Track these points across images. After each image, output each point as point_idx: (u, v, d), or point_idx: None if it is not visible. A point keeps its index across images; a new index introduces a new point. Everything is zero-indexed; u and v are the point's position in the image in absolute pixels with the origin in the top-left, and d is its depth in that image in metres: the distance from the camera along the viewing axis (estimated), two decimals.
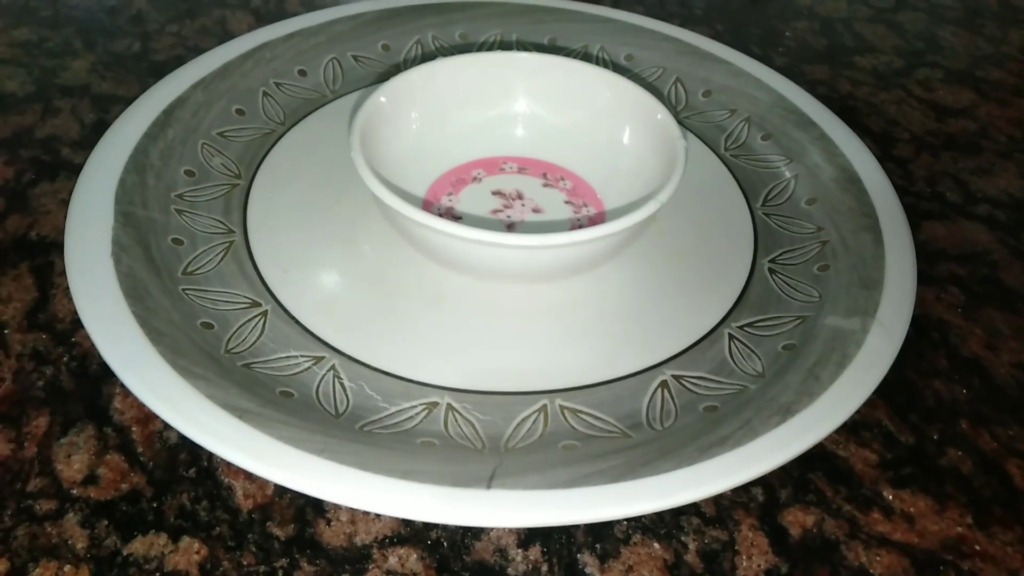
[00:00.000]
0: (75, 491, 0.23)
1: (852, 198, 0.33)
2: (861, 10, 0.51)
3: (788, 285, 0.30)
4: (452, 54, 0.41)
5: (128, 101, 0.38)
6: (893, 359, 0.26)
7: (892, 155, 0.39)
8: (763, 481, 0.24)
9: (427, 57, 0.41)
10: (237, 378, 0.24)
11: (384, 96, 0.31)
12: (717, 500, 0.24)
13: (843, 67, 0.45)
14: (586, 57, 0.41)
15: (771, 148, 0.37)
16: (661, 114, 0.30)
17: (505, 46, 0.42)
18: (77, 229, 0.28)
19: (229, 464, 0.24)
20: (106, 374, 0.26)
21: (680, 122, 0.31)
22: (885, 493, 0.24)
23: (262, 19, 0.45)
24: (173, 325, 0.26)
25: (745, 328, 0.28)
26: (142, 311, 0.25)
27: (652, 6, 0.49)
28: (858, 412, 0.25)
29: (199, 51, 0.42)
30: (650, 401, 0.26)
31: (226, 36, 0.43)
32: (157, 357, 0.24)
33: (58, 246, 0.30)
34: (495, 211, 0.32)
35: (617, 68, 0.41)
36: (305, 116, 0.37)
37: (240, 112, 0.36)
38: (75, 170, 0.34)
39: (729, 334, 0.28)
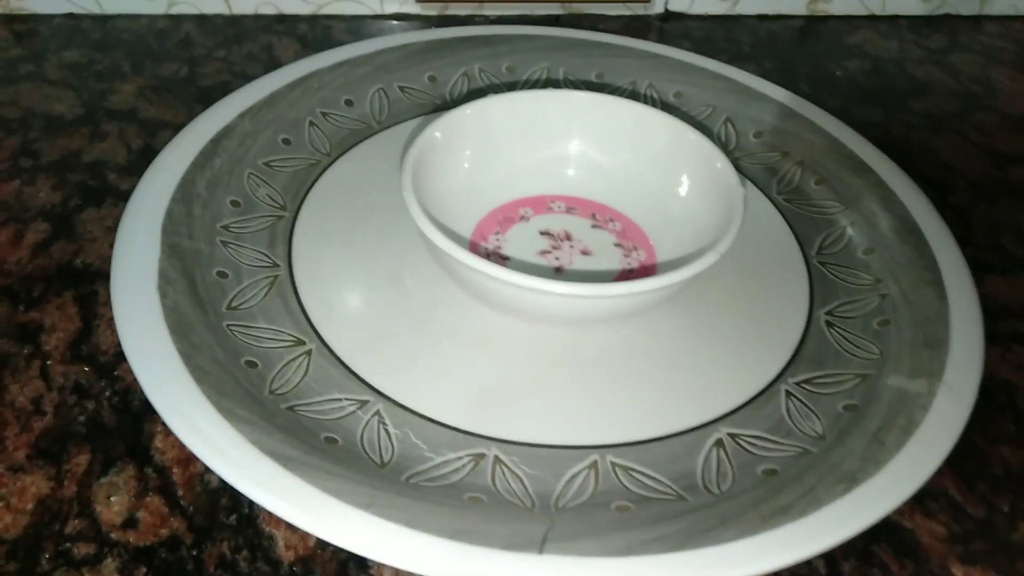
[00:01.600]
0: (114, 535, 0.22)
1: (912, 250, 0.32)
2: (912, 51, 0.50)
3: (846, 340, 0.29)
4: (499, 87, 0.41)
5: (175, 126, 0.38)
6: (963, 425, 0.25)
7: (949, 203, 0.38)
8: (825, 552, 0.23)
9: (473, 90, 0.41)
10: (281, 422, 0.24)
11: (439, 131, 0.31)
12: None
13: (896, 109, 0.44)
14: (634, 94, 0.41)
15: (825, 193, 0.36)
16: (720, 163, 0.30)
17: (552, 80, 0.42)
18: (124, 260, 0.27)
19: (271, 513, 0.23)
20: (148, 411, 0.26)
21: (737, 167, 0.30)
22: (954, 570, 0.23)
23: (308, 46, 0.45)
24: (217, 363, 0.25)
25: (803, 385, 0.27)
26: (187, 348, 0.25)
27: (699, 41, 0.49)
28: None
29: (246, 77, 0.42)
30: (705, 461, 0.25)
31: (272, 63, 0.43)
32: (201, 398, 0.23)
33: (103, 275, 0.30)
34: (543, 252, 0.31)
35: (666, 106, 0.41)
36: (351, 147, 0.36)
37: (286, 142, 0.36)
38: (121, 196, 0.34)
39: (786, 391, 0.27)
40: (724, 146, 0.39)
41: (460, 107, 0.32)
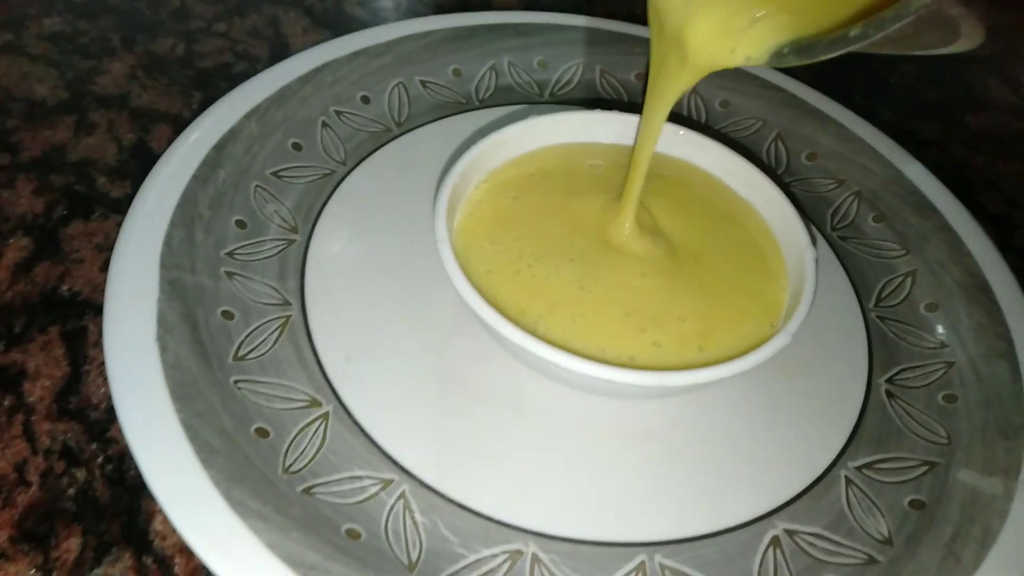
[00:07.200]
0: None
1: (982, 311, 0.29)
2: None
3: (909, 416, 0.27)
4: (530, 84, 0.37)
5: (171, 118, 0.34)
6: None
7: (1012, 245, 0.35)
8: None
9: (502, 87, 0.37)
10: (298, 513, 0.21)
11: (475, 155, 0.27)
12: None
13: (954, 127, 0.41)
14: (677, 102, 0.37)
15: (884, 233, 0.33)
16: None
17: (587, 80, 0.38)
18: (117, 305, 0.24)
19: None
20: (145, 484, 0.23)
21: (788, 193, 0.27)
22: None
23: (317, 20, 0.41)
24: (225, 436, 0.22)
25: (863, 470, 0.25)
26: (190, 417, 0.22)
27: None
28: None
29: (248, 57, 0.38)
30: (761, 564, 0.23)
31: (279, 41, 0.39)
32: (209, 487, 0.21)
33: (92, 306, 0.27)
34: None
35: (711, 115, 0.37)
36: (369, 154, 0.33)
37: (297, 147, 0.32)
38: (111, 206, 0.30)
39: (846, 477, 0.25)
40: (773, 168, 0.36)
41: (503, 129, 0.28)
